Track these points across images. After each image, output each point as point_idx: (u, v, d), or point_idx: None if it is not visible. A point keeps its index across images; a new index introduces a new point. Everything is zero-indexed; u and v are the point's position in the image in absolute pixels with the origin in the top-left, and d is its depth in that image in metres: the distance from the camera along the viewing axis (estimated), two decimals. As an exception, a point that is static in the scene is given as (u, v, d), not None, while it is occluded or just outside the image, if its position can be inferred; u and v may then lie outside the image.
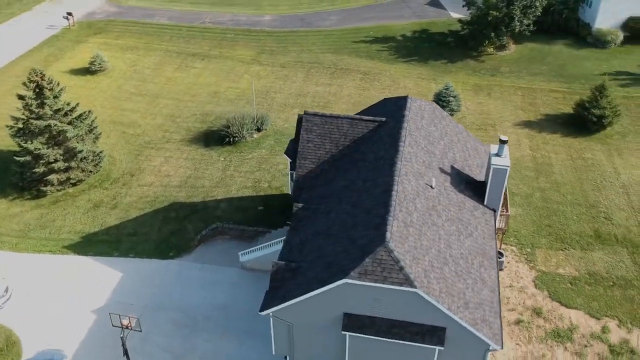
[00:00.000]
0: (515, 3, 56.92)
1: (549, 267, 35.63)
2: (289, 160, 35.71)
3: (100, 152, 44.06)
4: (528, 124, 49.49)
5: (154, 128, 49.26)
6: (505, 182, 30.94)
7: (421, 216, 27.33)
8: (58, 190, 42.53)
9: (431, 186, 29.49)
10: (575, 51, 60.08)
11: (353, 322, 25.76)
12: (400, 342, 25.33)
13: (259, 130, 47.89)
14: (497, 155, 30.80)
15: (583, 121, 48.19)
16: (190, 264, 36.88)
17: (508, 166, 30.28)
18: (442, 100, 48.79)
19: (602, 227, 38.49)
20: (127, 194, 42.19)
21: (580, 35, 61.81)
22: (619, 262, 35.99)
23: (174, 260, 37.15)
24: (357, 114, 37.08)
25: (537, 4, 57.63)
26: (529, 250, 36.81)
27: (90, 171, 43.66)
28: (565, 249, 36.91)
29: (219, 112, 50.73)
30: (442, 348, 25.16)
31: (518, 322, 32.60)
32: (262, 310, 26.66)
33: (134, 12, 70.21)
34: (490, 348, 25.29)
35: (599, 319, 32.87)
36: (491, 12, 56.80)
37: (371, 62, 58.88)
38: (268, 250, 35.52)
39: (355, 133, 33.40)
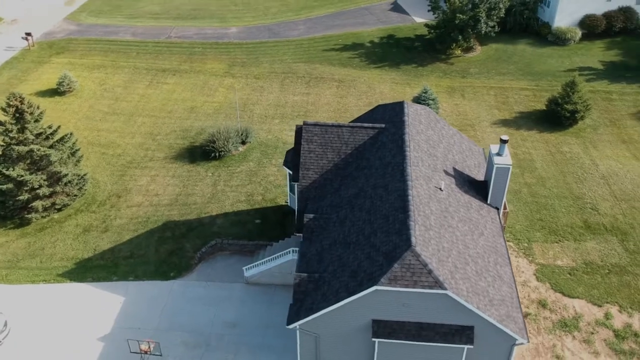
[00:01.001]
0: (480, 6, 58.57)
1: (547, 260, 36.80)
2: (288, 171, 35.69)
3: (85, 174, 42.85)
4: (505, 123, 51.01)
5: (135, 147, 48.24)
6: (508, 180, 31.82)
7: (437, 219, 27.83)
8: (43, 217, 41.10)
9: (440, 189, 30.06)
10: (538, 49, 62.27)
11: (382, 328, 25.97)
12: (431, 344, 25.68)
13: (243, 143, 47.58)
14: (499, 154, 31.66)
15: (557, 116, 49.98)
16: (194, 283, 36.29)
17: (510, 165, 31.17)
18: (421, 103, 49.62)
19: (590, 218, 40.04)
20: (116, 216, 41.16)
21: (541, 34, 64.10)
22: (611, 250, 37.50)
23: (177, 280, 36.48)
24: (353, 121, 37.44)
25: (501, 5, 59.49)
26: (525, 244, 37.90)
27: (75, 195, 42.40)
28: (560, 241, 38.20)
29: (199, 127, 50.17)
30: (471, 347, 25.66)
31: (526, 315, 33.50)
32: (289, 323, 26.54)
33: (96, 29, 68.58)
34: (517, 342, 25.96)
35: (600, 306, 34.17)
36: (458, 15, 58.25)
37: (344, 69, 59.42)
38: (273, 263, 35.36)
39: (356, 141, 33.68)
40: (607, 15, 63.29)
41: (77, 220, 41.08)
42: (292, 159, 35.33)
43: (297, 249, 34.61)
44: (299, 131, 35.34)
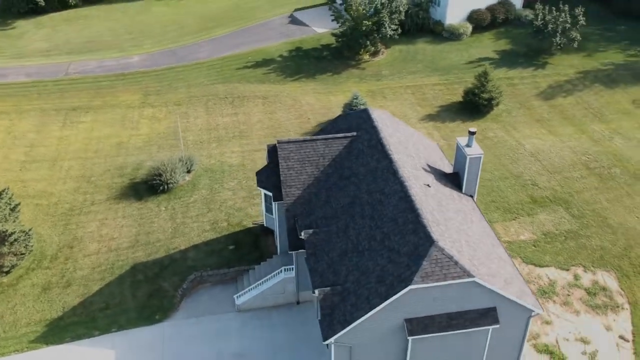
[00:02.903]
0: (383, 11, 61.44)
1: (511, 237, 39.77)
2: (264, 192, 35.42)
3: (29, 230, 39.51)
4: (430, 117, 54.06)
5: (70, 193, 45.19)
6: (480, 169, 34.06)
7: (439, 213, 29.26)
8: (-9, 283, 37.48)
9: (428, 185, 31.59)
10: (437, 46, 66.50)
11: (416, 326, 26.87)
12: (463, 331, 27.01)
13: (188, 171, 46.31)
14: (468, 145, 33.71)
15: (475, 106, 53.87)
16: (185, 321, 34.92)
17: (482, 154, 33.37)
18: (353, 108, 51.24)
19: (534, 193, 43.77)
20: (76, 268, 38.45)
21: (436, 32, 68.50)
22: (561, 218, 41.33)
23: (165, 322, 34.88)
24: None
25: (401, 8, 62.85)
26: (488, 226, 40.63)
27: (23, 253, 39.00)
28: (516, 218, 41.42)
29: (134, 162, 48.09)
30: (498, 326, 27.33)
31: (509, 290, 36.04)
32: (326, 339, 26.62)
33: (-20, 74, 63.03)
34: (533, 314, 28.05)
35: (568, 269, 37.60)
36: (364, 22, 60.70)
37: (263, 85, 59.67)
38: (265, 286, 35.04)
39: (332, 152, 34.33)
40: (490, 9, 69.13)
41: (31, 280, 37.84)
42: (268, 179, 35.20)
43: (289, 267, 34.69)
44: (271, 150, 35.35)
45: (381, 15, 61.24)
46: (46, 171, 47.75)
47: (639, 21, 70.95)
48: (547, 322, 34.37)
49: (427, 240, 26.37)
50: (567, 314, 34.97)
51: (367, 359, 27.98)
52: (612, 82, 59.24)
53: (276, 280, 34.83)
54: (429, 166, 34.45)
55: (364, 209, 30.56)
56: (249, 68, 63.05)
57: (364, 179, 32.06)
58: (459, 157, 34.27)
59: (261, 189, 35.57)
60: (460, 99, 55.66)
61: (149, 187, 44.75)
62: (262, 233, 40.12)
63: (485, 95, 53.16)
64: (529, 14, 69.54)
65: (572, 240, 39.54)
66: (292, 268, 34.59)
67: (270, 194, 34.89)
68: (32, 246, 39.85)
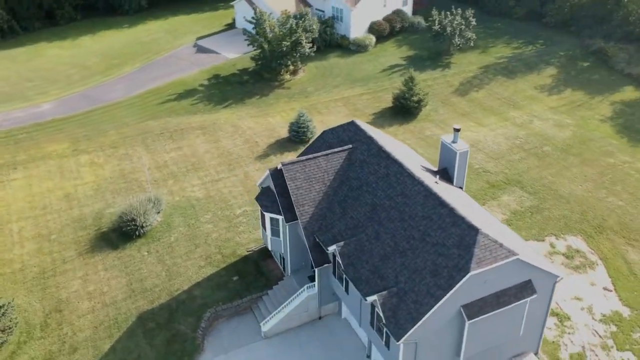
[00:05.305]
0: (298, 30, 63.43)
1: (487, 220, 43.44)
2: (270, 216, 35.74)
3: (12, 300, 36.31)
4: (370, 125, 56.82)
5: (33, 256, 41.86)
6: (467, 162, 37.17)
7: (459, 205, 31.75)
8: (-17, 367, 33.95)
9: (436, 182, 34.04)
10: (348, 59, 69.83)
11: (472, 310, 28.99)
12: (510, 306, 29.60)
13: (158, 212, 44.86)
14: (454, 142, 36.73)
15: (406, 109, 57.64)
16: (215, 360, 34.26)
17: (468, 148, 36.51)
18: (302, 127, 52.72)
19: (490, 179, 48.06)
20: (75, 331, 35.96)
21: (344, 46, 71.88)
22: (520, 197, 45.88)
23: (194, 365, 33.96)
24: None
25: (314, 27, 65.30)
26: (464, 214, 44.03)
27: (10, 327, 35.71)
28: (484, 204, 45.22)
29: (93, 212, 45.59)
30: (536, 295, 30.29)
31: (502, 268, 39.52)
32: (399, 338, 27.82)
33: None
34: (558, 279, 31.43)
35: (543, 240, 41.97)
36: (283, 43, 62.32)
37: (196, 116, 58.99)
38: (290, 307, 35.36)
39: (334, 166, 35.64)
40: (387, 19, 74.01)
41: (27, 353, 34.80)
42: (274, 203, 35.59)
43: (311, 284, 35.32)
44: (275, 174, 35.73)
45: (298, 35, 63.19)
46: (-6, 237, 43.78)
47: (509, 18, 79.67)
48: (544, 289, 38.19)
49: (472, 230, 28.68)
50: (556, 278, 39.08)
51: (429, 351, 29.64)
52: (511, 73, 66.25)
53: (300, 300, 35.28)
54: (422, 166, 36.95)
55: (390, 213, 32.22)
56: (173, 101, 61.93)
57: (377, 186, 33.72)
58: (446, 154, 36.99)
59: (267, 214, 35.87)
60: (390, 105, 59.17)
61: (121, 233, 42.76)
62: (260, 258, 40.20)
63: (415, 98, 57.10)
64: (420, 20, 75.45)
65: (537, 214, 44.12)
66: (314, 285, 35.28)
67: (279, 217, 35.41)
68: (15, 318, 36.61)
